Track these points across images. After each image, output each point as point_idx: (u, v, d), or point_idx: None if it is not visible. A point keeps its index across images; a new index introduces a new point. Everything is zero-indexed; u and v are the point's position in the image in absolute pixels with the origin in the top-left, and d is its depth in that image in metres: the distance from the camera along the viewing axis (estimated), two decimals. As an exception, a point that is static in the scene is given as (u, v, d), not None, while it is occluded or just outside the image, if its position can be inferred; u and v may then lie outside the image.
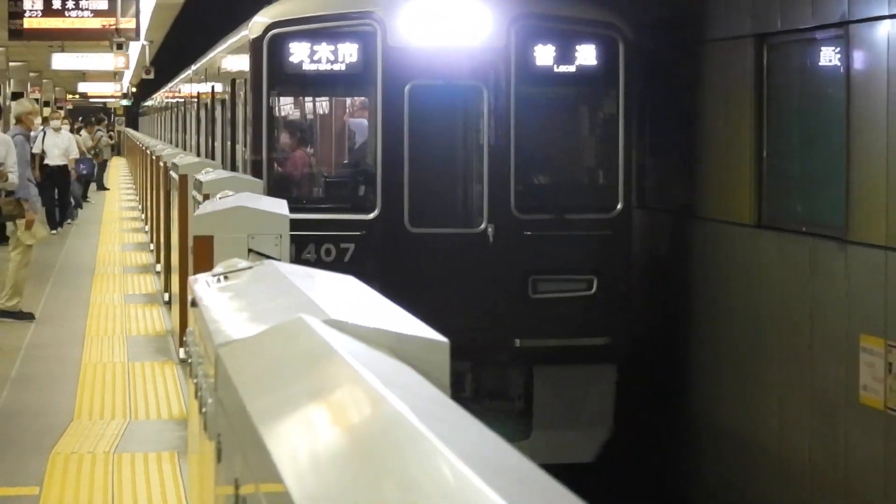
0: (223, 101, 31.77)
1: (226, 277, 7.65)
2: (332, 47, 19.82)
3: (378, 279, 18.55)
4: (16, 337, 22.97)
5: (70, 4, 31.14)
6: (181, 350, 21.98)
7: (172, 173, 27.91)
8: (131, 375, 21.97)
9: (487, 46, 20.42)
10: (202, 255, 11.99)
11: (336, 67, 20.22)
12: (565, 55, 20.86)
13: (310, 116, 24.94)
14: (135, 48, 49.75)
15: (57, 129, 41.63)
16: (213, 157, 35.10)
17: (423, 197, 21.18)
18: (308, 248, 19.02)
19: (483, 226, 20.52)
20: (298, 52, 19.90)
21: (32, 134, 32.25)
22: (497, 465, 3.47)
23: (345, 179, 23.25)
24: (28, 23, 30.78)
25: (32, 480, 15.59)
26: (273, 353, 5.04)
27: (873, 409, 19.64)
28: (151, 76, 68.39)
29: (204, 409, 5.90)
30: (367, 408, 4.07)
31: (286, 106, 23.79)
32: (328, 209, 21.42)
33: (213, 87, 35.28)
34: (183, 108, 54.70)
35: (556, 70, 21.25)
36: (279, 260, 10.83)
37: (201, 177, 19.42)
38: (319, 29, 20.09)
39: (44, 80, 72.79)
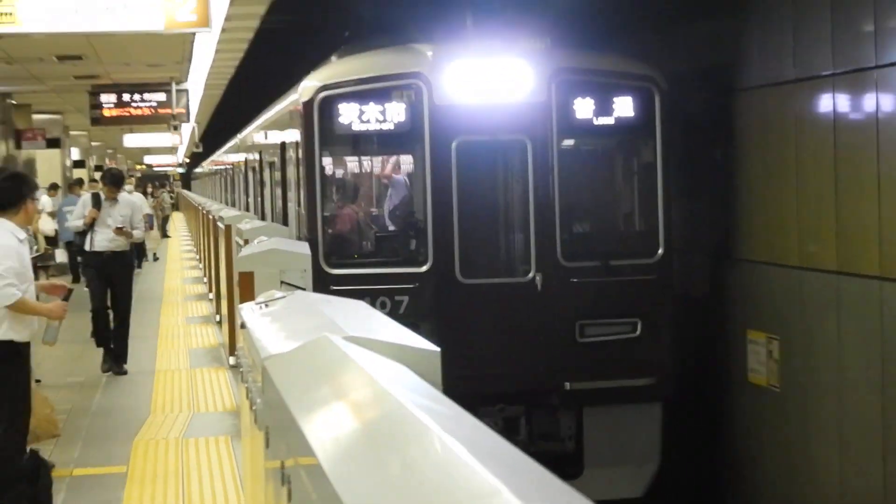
0: (271, 164, 29.80)
1: (266, 305, 7.66)
2: (380, 107, 17.50)
3: (432, 329, 16.65)
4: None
5: (136, 98, 31.79)
6: (231, 358, 22.64)
7: (219, 224, 28.68)
8: (193, 379, 22.69)
9: (529, 101, 18.02)
10: (245, 286, 12.48)
11: (385, 126, 17.86)
12: (604, 107, 18.34)
13: (360, 174, 22.00)
14: (186, 128, 50.11)
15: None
16: (257, 212, 33.68)
17: (473, 249, 18.69)
18: (364, 301, 15.73)
19: (531, 274, 18.19)
20: (348, 113, 17.64)
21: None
22: (479, 443, 3.68)
23: (397, 234, 20.01)
24: (105, 112, 31.68)
25: (121, 462, 16.43)
26: (305, 363, 5.21)
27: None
28: (200, 149, 69.88)
29: (254, 408, 6.08)
30: (377, 401, 4.27)
31: (338, 165, 21.08)
32: (382, 263, 18.93)
33: (260, 151, 32.86)
34: (231, 172, 53.80)
35: (595, 122, 18.64)
36: (305, 289, 11.27)
37: (242, 226, 20.77)
38: (368, 90, 17.80)
39: (118, 155, 73.30)
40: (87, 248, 21.76)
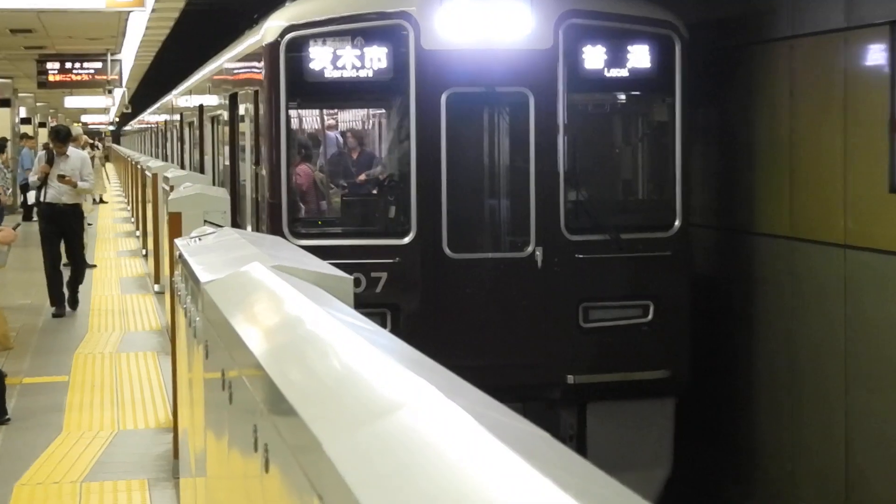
0: (214, 118, 23.09)
1: (199, 239, 7.62)
2: (358, 51, 12.89)
3: (414, 311, 12.84)
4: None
5: (77, 66, 31.60)
6: (156, 286, 22.46)
7: (147, 172, 27.97)
8: (124, 303, 22.64)
9: (532, 48, 13.21)
10: (174, 225, 12.27)
11: (363, 74, 13.12)
12: (618, 57, 13.64)
13: (332, 130, 16.15)
14: (118, 92, 50.45)
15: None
16: (196, 169, 26.59)
17: (463, 218, 13.52)
18: None
19: (530, 249, 13.12)
20: (320, 58, 12.83)
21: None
22: (383, 344, 3.59)
23: (374, 200, 14.72)
24: (50, 77, 31.52)
25: (64, 372, 16.48)
26: (240, 286, 5.20)
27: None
28: (129, 110, 71.01)
29: (192, 325, 6.13)
30: (303, 314, 4.28)
31: (306, 118, 15.62)
32: (356, 234, 13.79)
33: (200, 105, 25.81)
34: (162, 129, 46.17)
35: (607, 74, 13.84)
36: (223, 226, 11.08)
37: (168, 174, 20.03)
38: (344, 31, 13.03)
39: (59, 114, 72.73)
40: (41, 199, 21.06)
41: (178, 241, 8.39)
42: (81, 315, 20.84)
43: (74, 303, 20.87)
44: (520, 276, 12.89)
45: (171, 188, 15.49)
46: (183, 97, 33.43)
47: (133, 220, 37.66)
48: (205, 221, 11.17)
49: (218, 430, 4.94)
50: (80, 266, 21.26)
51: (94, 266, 28.27)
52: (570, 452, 2.44)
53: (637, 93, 14.26)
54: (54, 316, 20.26)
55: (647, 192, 14.93)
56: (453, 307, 12.78)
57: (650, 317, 13.50)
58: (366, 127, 15.33)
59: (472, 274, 12.95)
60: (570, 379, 12.82)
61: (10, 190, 28.14)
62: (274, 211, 12.50)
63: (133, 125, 73.88)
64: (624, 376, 13.13)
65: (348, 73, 12.61)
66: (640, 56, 13.15)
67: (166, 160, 35.23)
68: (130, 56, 37.25)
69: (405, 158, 13.05)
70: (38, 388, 15.52)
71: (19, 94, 45.18)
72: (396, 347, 3.65)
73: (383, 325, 11.12)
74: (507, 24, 12.47)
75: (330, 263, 10.98)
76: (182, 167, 28.41)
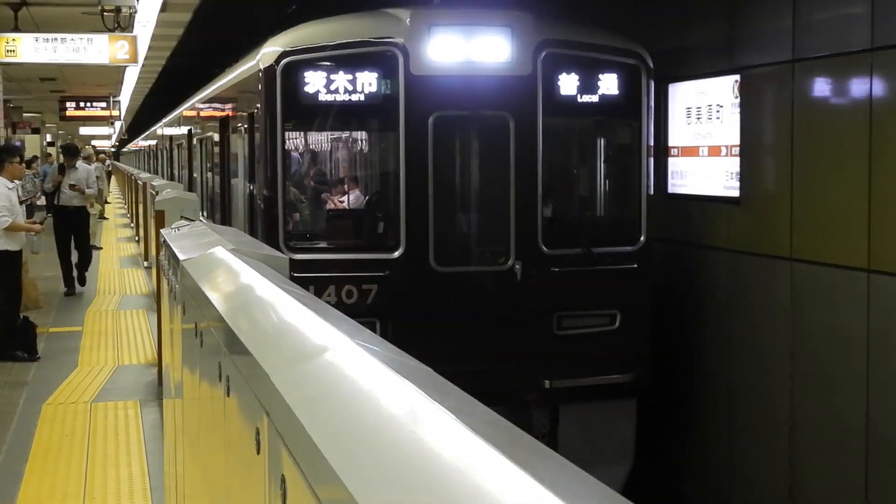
0: (201, 141, 20.02)
1: (178, 230, 7.61)
2: (350, 76, 10.77)
3: (403, 322, 10.50)
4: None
5: (88, 105, 31.15)
6: (145, 262, 22.18)
7: (139, 181, 27.70)
8: (122, 275, 22.44)
9: (514, 75, 11.08)
10: (160, 219, 12.09)
11: (355, 97, 10.94)
12: (590, 84, 11.39)
13: (325, 151, 13.71)
14: (118, 124, 50.35)
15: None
16: (181, 181, 23.33)
17: (449, 234, 11.47)
18: (328, 290, 10.21)
19: (510, 263, 11.03)
20: (314, 82, 10.73)
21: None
22: (313, 302, 3.52)
23: (365, 217, 12.20)
24: (68, 113, 31.01)
25: (79, 324, 16.29)
26: (208, 263, 5.17)
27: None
28: (126, 137, 70.52)
29: (173, 291, 6.04)
30: (251, 281, 4.24)
31: (300, 139, 13.05)
32: (348, 248, 11.52)
33: (189, 130, 22.36)
34: (153, 150, 40.84)
35: (580, 100, 11.53)
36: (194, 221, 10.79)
37: (154, 183, 19.70)
38: (337, 57, 10.87)
39: (75, 139, 72.03)
40: (54, 202, 20.40)
41: (162, 231, 8.31)
42: (91, 283, 20.62)
43: (83, 281, 20.13)
44: (501, 288, 10.51)
45: (157, 193, 15.31)
46: (170, 126, 29.89)
47: (129, 216, 37.26)
48: (181, 217, 11.04)
49: (191, 365, 4.91)
50: (86, 254, 20.55)
51: (101, 248, 27.94)
52: (430, 372, 2.42)
53: (606, 117, 11.66)
54: (66, 295, 19.46)
55: (615, 209, 12.29)
56: (439, 317, 10.37)
57: (616, 325, 11.09)
58: (357, 147, 12.68)
59: (457, 286, 10.48)
60: (546, 384, 10.49)
61: (38, 193, 27.58)
62: (270, 226, 10.13)
63: (129, 147, 72.87)
64: (594, 381, 10.79)
65: (341, 97, 10.22)
66: (609, 83, 10.92)
67: (155, 174, 34.56)
68: (126, 97, 36.94)
69: (394, 178, 10.49)
70: (60, 335, 15.38)
71: (46, 125, 44.51)
72: (320, 307, 3.60)
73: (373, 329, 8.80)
74: (490, 52, 10.31)
75: (323, 276, 9.59)
76: (170, 179, 26.35)
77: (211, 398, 3.97)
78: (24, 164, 15.53)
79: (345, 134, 12.62)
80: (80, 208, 20.20)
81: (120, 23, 15.60)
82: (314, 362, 2.63)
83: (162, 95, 36.98)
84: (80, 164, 20.46)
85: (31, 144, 43.21)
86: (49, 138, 55.31)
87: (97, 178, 40.25)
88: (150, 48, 21.06)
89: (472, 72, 10.16)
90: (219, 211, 15.88)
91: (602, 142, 12.32)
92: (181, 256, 5.52)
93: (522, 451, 1.66)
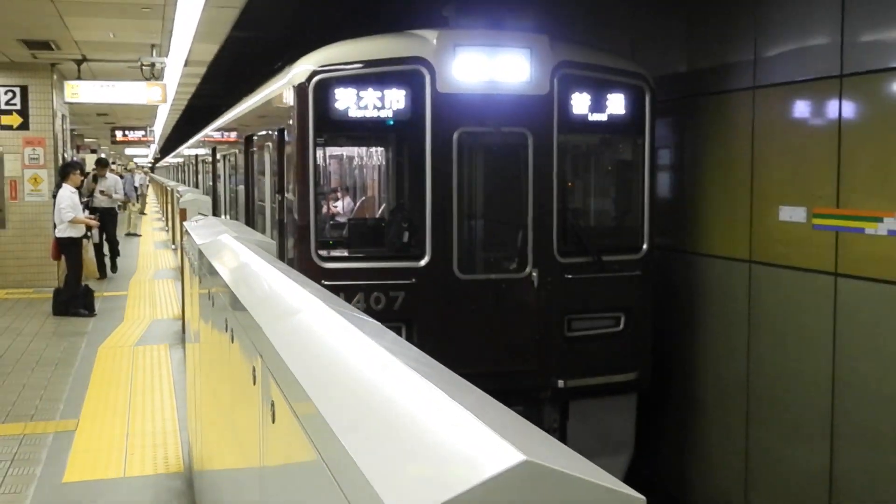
0: (225, 156, 16.51)
1: (197, 222, 7.56)
2: (379, 93, 8.32)
3: (428, 327, 8.30)
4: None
5: (131, 133, 30.38)
6: (172, 245, 21.80)
7: (168, 188, 27.34)
8: (156, 255, 22.00)
9: (532, 94, 8.68)
10: (182, 215, 11.89)
11: (384, 114, 8.37)
12: (600, 103, 9.07)
13: (355, 164, 11.29)
14: (153, 147, 49.66)
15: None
16: (206, 191, 19.87)
17: (471, 243, 8.89)
18: (357, 296, 8.13)
19: (528, 270, 8.64)
20: (345, 98, 8.24)
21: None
22: (295, 275, 3.52)
23: (392, 228, 9.05)
24: (117, 138, 30.24)
25: (125, 290, 15.84)
26: (216, 245, 5.15)
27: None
28: (159, 156, 68.55)
29: (193, 266, 5.95)
30: (247, 259, 4.22)
31: (331, 153, 10.64)
32: (376, 257, 8.57)
33: (213, 147, 18.76)
34: (181, 166, 37.08)
35: (591, 118, 9.11)
36: (207, 215, 10.42)
37: (179, 189, 19.36)
38: (367, 74, 8.30)
39: (122, 157, 70.75)
40: (89, 205, 19.27)
41: (185, 223, 8.19)
42: (132, 262, 20.27)
43: (115, 268, 18.71)
44: (519, 294, 8.38)
45: (181, 196, 15.11)
46: (194, 147, 26.98)
47: (162, 212, 36.76)
48: (198, 213, 10.91)
49: (206, 319, 4.84)
50: (114, 245, 19.00)
51: (140, 235, 27.49)
52: (378, 325, 2.41)
53: (614, 134, 9.22)
54: (97, 279, 17.57)
55: (622, 220, 9.72)
56: (462, 322, 8.23)
57: (621, 326, 8.90)
58: (385, 161, 9.76)
59: (478, 292, 8.30)
60: (561, 383, 8.42)
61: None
62: (303, 236, 7.92)
63: (161, 164, 71.39)
64: (602, 379, 8.73)
65: (370, 113, 7.96)
66: (616, 102, 8.75)
67: (183, 183, 33.68)
68: (160, 126, 36.37)
69: (420, 190, 8.19)
70: (111, 298, 15.13)
71: (101, 147, 43.79)
72: (300, 279, 3.58)
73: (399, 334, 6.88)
74: (511, 72, 8.17)
75: (352, 284, 7.34)
76: (196, 187, 24.06)
77: (220, 343, 3.93)
78: (83, 175, 15.29)
79: (372, 148, 10.01)
80: (110, 209, 18.98)
81: (154, 74, 15.42)
82: (294, 318, 2.62)
83: (185, 124, 36.50)
84: (108, 174, 19.25)
85: (90, 162, 42.51)
86: (103, 156, 54.57)
87: (140, 184, 39.50)
88: (176, 92, 20.75)
89: (494, 90, 8.10)
90: (241, 218, 13.11)
91: (609, 157, 10.10)
92: (198, 241, 5.45)
93: (447, 383, 1.65)
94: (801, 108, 7.27)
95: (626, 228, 9.04)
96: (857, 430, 6.87)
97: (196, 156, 26.29)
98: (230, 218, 14.77)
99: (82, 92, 15.58)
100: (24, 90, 16.07)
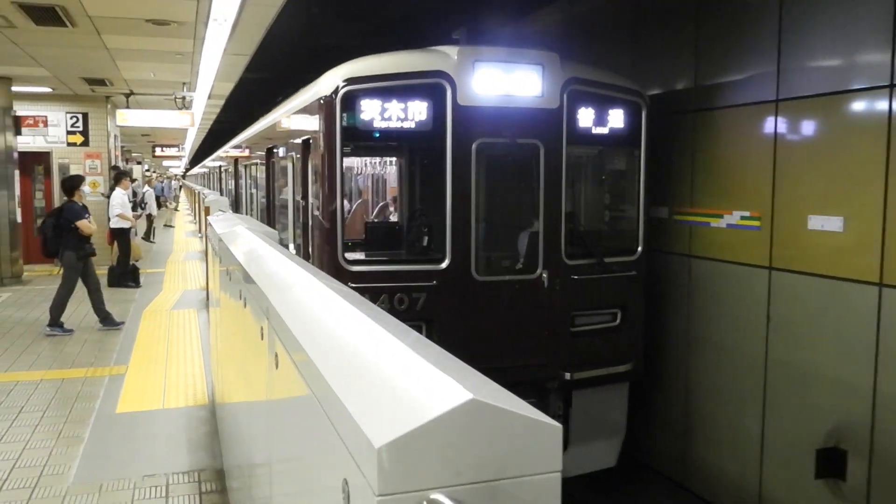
0: (247, 166, 14.30)
1: (217, 216, 7.48)
2: (403, 105, 6.13)
3: (448, 325, 6.42)
4: (157, 241, 21.84)
5: (167, 149, 29.62)
6: (199, 234, 21.30)
7: (196, 191, 26.76)
8: (187, 242, 21.50)
9: (544, 107, 6.59)
10: (207, 211, 11.66)
11: (407, 125, 6.17)
12: (602, 118, 6.97)
13: (380, 172, 9.35)
14: (184, 159, 48.71)
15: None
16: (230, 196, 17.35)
17: (487, 247, 6.64)
18: (382, 297, 6.04)
19: (539, 272, 6.63)
20: (370, 109, 6.07)
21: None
22: (286, 253, 3.45)
23: (415, 233, 6.83)
24: (157, 154, 28.75)
25: (162, 267, 15.41)
26: (233, 234, 5.05)
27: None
28: (189, 167, 65.82)
29: (214, 250, 5.84)
30: (256, 243, 4.16)
31: (357, 163, 9.10)
32: (400, 260, 6.48)
33: (235, 158, 16.54)
34: (208, 174, 32.35)
35: (594, 130, 6.96)
36: (226, 211, 10.08)
37: (204, 192, 18.96)
38: (392, 87, 6.11)
39: (158, 168, 68.59)
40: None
41: (209, 218, 8.03)
42: (168, 247, 19.90)
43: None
44: (530, 294, 6.72)
45: (205, 197, 14.82)
46: (218, 160, 23.68)
47: (191, 210, 36.09)
48: (219, 210, 10.70)
49: (224, 290, 4.75)
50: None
51: (174, 227, 26.97)
52: (369, 305, 2.36)
53: (614, 146, 7.32)
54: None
55: (620, 224, 7.66)
56: (480, 321, 6.58)
57: (618, 321, 7.14)
58: (408, 170, 7.86)
59: (494, 293, 6.61)
60: (567, 376, 6.76)
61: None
62: (330, 240, 6.30)
63: (190, 173, 69.22)
64: (604, 371, 7.06)
65: (394, 124, 6.26)
66: (617, 117, 7.06)
67: (211, 188, 32.13)
68: (189, 144, 35.69)
69: (441, 198, 6.50)
70: (152, 274, 14.79)
71: (144, 160, 42.86)
72: (299, 261, 3.49)
73: (420, 332, 5.15)
74: (525, 87, 6.54)
75: (377, 286, 6.14)
76: (220, 192, 20.69)
77: (235, 308, 3.85)
78: (131, 181, 14.97)
79: (396, 157, 8.16)
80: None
81: (185, 105, 15.16)
82: (292, 290, 2.57)
83: (208, 142, 35.88)
84: (131, 185, 16.44)
85: (137, 171, 41.63)
86: (146, 167, 53.30)
87: (175, 189, 38.40)
88: (201, 117, 20.39)
89: (509, 104, 6.53)
90: (263, 219, 11.29)
91: (610, 167, 8.15)
92: (219, 231, 5.35)
93: (411, 339, 1.62)
94: (672, 133, 7.20)
95: (623, 233, 7.55)
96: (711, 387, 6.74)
97: (220, 167, 23.26)
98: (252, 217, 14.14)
99: (130, 118, 15.23)
100: (85, 116, 15.96)
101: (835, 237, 5.26)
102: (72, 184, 9.62)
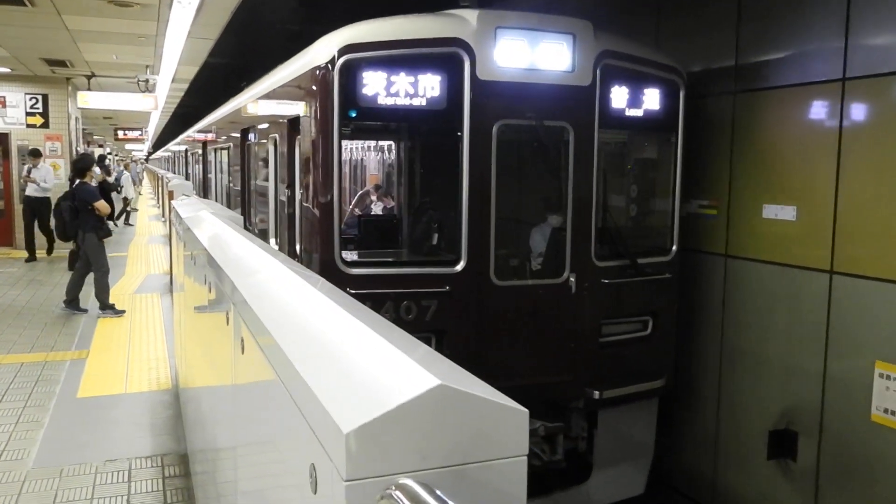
0: (216, 150, 11.81)
1: (182, 201, 7.38)
2: (412, 78, 4.14)
3: (463, 339, 4.71)
4: (120, 225, 21.37)
5: (130, 132, 29.01)
6: (163, 218, 20.99)
7: (159, 175, 26.28)
8: (149, 226, 21.12)
9: (575, 84, 4.70)
10: (170, 195, 11.44)
11: (417, 102, 4.20)
12: (638, 98, 5.05)
13: (387, 157, 6.83)
14: (147, 143, 47.74)
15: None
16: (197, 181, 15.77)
17: (507, 247, 4.90)
18: (386, 305, 4.32)
19: (566, 275, 4.89)
20: (374, 83, 4.06)
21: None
22: (255, 241, 3.43)
23: (424, 230, 5.38)
24: (119, 136, 28.69)
25: (125, 251, 15.04)
26: (198, 218, 4.97)
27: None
28: (152, 150, 64.75)
29: (178, 234, 5.76)
30: (219, 227, 4.14)
31: (357, 145, 7.15)
32: (407, 262, 4.87)
33: (203, 142, 14.34)
34: (172, 158, 29.56)
35: (628, 112, 5.06)
36: (190, 196, 9.87)
37: (167, 175, 18.62)
38: (400, 56, 4.10)
39: (121, 151, 67.14)
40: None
41: (173, 202, 7.91)
42: (130, 228, 19.58)
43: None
44: (555, 300, 5.23)
45: (169, 181, 14.54)
46: (184, 143, 21.49)
47: (154, 195, 35.48)
48: (182, 194, 10.51)
49: (188, 275, 4.68)
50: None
51: (137, 210, 26.49)
52: (335, 290, 2.35)
53: (650, 131, 5.71)
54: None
55: (654, 220, 6.03)
56: (499, 332, 5.07)
57: (649, 330, 5.67)
58: (418, 155, 6.34)
59: (515, 299, 5.09)
60: (597, 395, 5.28)
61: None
62: (325, 237, 4.63)
63: (154, 156, 67.73)
64: (635, 388, 5.51)
65: (402, 101, 4.59)
66: (653, 97, 5.44)
67: (174, 173, 31.12)
68: (153, 127, 35.10)
69: (456, 189, 4.89)
70: (115, 258, 14.46)
71: (106, 143, 41.98)
72: (264, 245, 3.46)
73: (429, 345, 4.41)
74: (554, 60, 4.96)
75: (381, 292, 4.75)
76: (186, 177, 19.09)
77: (200, 293, 3.80)
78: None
79: (404, 140, 6.56)
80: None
81: (148, 88, 14.86)
82: (257, 275, 2.54)
83: (172, 126, 35.32)
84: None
85: (97, 154, 40.85)
86: (108, 150, 52.19)
87: (138, 173, 37.73)
88: (165, 101, 20.01)
89: (536, 79, 4.95)
90: (238, 208, 8.93)
91: (644, 156, 6.34)
92: (183, 215, 5.28)
93: (378, 325, 1.61)
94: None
95: (657, 230, 6.07)
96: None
97: (186, 150, 20.89)
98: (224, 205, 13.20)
99: (91, 100, 14.88)
100: (45, 97, 15.51)
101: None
102: (84, 164, 8.98)
